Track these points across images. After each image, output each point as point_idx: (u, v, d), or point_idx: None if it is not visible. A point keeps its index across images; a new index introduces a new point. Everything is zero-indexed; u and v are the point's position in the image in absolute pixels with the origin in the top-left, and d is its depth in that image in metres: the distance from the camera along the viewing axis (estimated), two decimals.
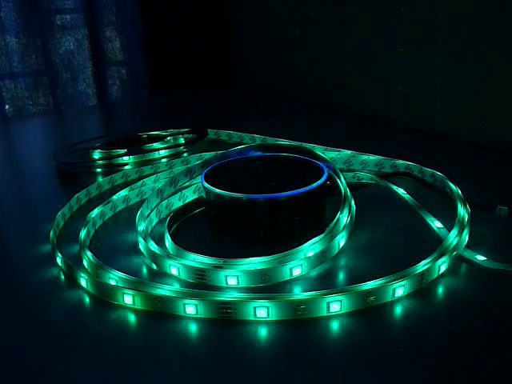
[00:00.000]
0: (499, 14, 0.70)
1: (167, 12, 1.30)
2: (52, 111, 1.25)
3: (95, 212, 0.56)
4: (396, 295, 0.40)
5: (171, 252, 0.48)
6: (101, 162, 0.76)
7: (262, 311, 0.39)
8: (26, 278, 0.47)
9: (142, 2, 1.29)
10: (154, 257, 0.47)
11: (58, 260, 0.48)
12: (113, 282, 0.44)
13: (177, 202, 0.58)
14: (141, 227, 0.51)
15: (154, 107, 1.24)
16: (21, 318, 0.41)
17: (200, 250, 0.46)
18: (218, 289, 0.43)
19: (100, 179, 0.67)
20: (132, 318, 0.40)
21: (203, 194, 0.55)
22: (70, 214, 0.59)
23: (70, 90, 1.28)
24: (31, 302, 0.44)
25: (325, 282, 0.44)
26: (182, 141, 0.82)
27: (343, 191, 0.52)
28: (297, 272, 0.44)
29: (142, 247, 0.49)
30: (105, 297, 0.42)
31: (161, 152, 0.78)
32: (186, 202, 0.59)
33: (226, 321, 0.39)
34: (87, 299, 0.43)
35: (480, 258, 0.45)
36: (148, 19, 1.30)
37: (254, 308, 0.39)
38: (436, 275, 0.43)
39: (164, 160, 0.76)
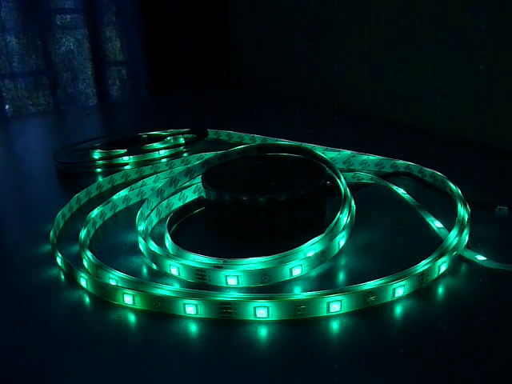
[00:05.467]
0: (500, 14, 0.70)
1: (167, 12, 1.30)
2: (52, 111, 1.25)
3: (95, 212, 0.56)
4: (396, 295, 0.40)
5: (171, 252, 0.48)
6: (101, 162, 0.76)
7: (262, 311, 0.39)
8: (26, 278, 0.47)
9: (142, 2, 1.29)
10: (154, 257, 0.47)
11: (58, 260, 0.48)
12: (113, 282, 0.44)
13: (177, 202, 0.59)
14: (141, 227, 0.51)
15: (154, 107, 1.24)
16: (21, 318, 0.41)
17: (200, 250, 0.46)
18: (218, 289, 0.43)
19: (100, 179, 0.67)
20: (132, 317, 0.40)
21: (203, 194, 0.55)
22: (70, 214, 0.59)
23: (70, 90, 1.28)
24: (31, 301, 0.44)
25: (325, 282, 0.44)
26: (182, 141, 0.82)
27: (343, 191, 0.52)
28: (297, 272, 0.44)
29: (142, 247, 0.49)
30: (105, 297, 0.42)
31: (161, 152, 0.78)
32: (186, 202, 0.59)
33: (225, 321, 0.39)
34: (87, 299, 0.43)
35: (480, 257, 0.45)
36: (148, 19, 1.30)
37: (254, 308, 0.39)
38: (436, 275, 0.43)
39: (164, 160, 0.75)
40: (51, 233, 0.53)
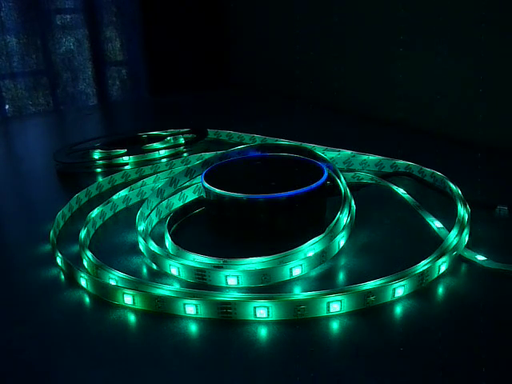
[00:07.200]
0: (499, 13, 0.70)
1: (167, 12, 1.30)
2: (52, 111, 1.25)
3: (95, 212, 0.56)
4: (396, 295, 0.40)
5: (171, 252, 0.48)
6: (101, 162, 0.76)
7: (262, 311, 0.39)
8: (26, 278, 0.47)
9: (141, 2, 1.29)
10: (153, 257, 0.47)
11: (58, 260, 0.48)
12: (113, 282, 0.44)
13: (177, 202, 0.59)
14: (141, 227, 0.51)
15: (154, 107, 1.24)
16: (21, 318, 0.41)
17: (200, 250, 0.46)
18: (218, 289, 0.43)
19: (100, 179, 0.67)
20: (132, 318, 0.40)
21: (203, 194, 0.55)
22: (70, 214, 0.59)
23: (70, 90, 1.28)
24: (31, 302, 0.44)
25: (325, 282, 0.44)
26: (182, 141, 0.82)
27: (343, 191, 0.52)
28: (297, 272, 0.44)
29: (142, 247, 0.50)
30: (105, 297, 0.42)
31: (161, 152, 0.78)
32: (186, 202, 0.59)
33: (225, 321, 0.39)
34: (87, 299, 0.43)
35: (480, 257, 0.45)
36: (148, 19, 1.30)
37: (254, 308, 0.39)
38: (436, 275, 0.43)
39: (164, 160, 0.76)
40: (51, 233, 0.53)
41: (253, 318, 0.39)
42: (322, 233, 0.47)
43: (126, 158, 0.75)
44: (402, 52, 0.84)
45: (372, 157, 0.68)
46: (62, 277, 0.47)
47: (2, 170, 0.83)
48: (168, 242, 0.50)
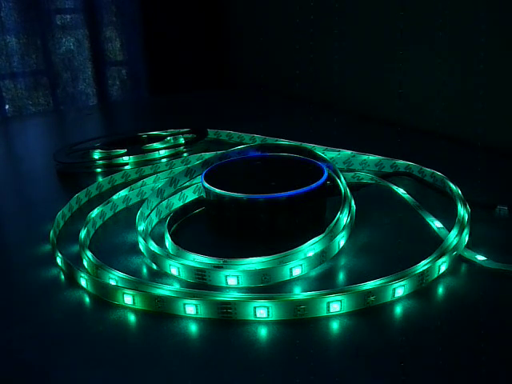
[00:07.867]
0: (499, 13, 0.70)
1: (167, 12, 1.30)
2: (52, 111, 1.25)
3: (95, 212, 0.56)
4: (396, 295, 0.40)
5: (171, 252, 0.48)
6: (101, 162, 0.76)
7: (262, 311, 0.39)
8: (26, 278, 0.47)
9: (141, 2, 1.29)
10: (153, 257, 0.47)
11: (58, 260, 0.48)
12: (113, 282, 0.44)
13: (177, 202, 0.59)
14: (141, 227, 0.51)
15: (154, 107, 1.24)
16: (21, 319, 0.41)
17: (200, 250, 0.46)
18: (218, 289, 0.43)
19: (100, 179, 0.67)
20: (132, 318, 0.40)
21: (203, 194, 0.55)
22: (70, 214, 0.59)
23: (70, 90, 1.28)
24: (31, 302, 0.44)
25: (325, 282, 0.44)
26: (182, 141, 0.82)
27: (343, 191, 0.52)
28: (297, 272, 0.44)
29: (142, 247, 0.50)
30: (105, 297, 0.42)
31: (161, 152, 0.78)
32: (186, 202, 0.59)
33: (226, 321, 0.39)
34: (87, 299, 0.43)
35: (480, 257, 0.45)
36: (148, 19, 1.30)
37: (254, 308, 0.39)
38: (436, 275, 0.43)
39: (164, 160, 0.76)
40: (51, 233, 0.53)
41: (253, 318, 0.39)
42: (322, 233, 0.47)
43: (126, 158, 0.75)
44: (402, 52, 0.84)
45: (372, 157, 0.68)
46: (62, 277, 0.47)
47: (2, 170, 0.83)
48: (168, 242, 0.50)
